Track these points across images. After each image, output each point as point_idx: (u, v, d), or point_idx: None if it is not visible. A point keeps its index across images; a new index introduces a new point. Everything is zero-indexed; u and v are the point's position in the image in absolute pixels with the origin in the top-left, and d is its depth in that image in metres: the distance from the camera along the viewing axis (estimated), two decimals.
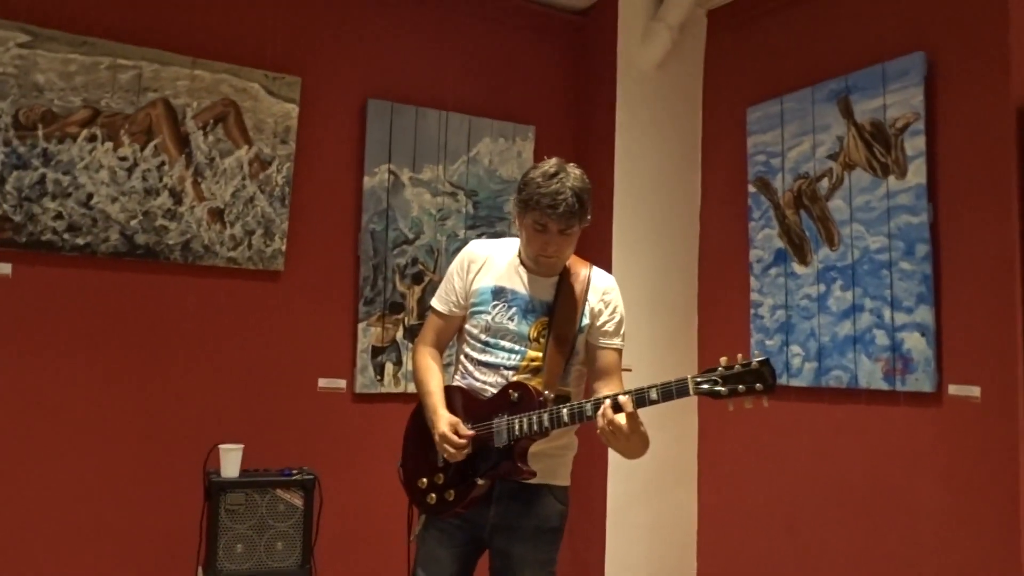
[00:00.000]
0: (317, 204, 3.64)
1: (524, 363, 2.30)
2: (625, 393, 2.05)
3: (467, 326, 2.42)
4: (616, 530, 3.79)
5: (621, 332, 2.38)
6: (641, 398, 2.03)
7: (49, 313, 3.18)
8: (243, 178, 3.47)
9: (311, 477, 3.05)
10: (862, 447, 3.25)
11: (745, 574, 3.66)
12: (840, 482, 3.31)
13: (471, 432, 2.22)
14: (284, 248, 3.54)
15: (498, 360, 2.32)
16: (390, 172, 3.75)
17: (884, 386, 3.16)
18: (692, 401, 3.96)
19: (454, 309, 2.42)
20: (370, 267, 3.68)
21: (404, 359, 3.69)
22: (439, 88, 3.91)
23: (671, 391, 2.01)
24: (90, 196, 3.22)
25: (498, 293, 2.36)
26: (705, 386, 2.01)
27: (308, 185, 3.62)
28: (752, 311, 3.74)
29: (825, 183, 3.46)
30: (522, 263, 2.36)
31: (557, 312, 2.32)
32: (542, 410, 2.15)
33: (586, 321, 2.33)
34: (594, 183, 4.11)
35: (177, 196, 3.36)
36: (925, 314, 3.04)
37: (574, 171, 2.25)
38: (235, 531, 2.93)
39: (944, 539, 2.93)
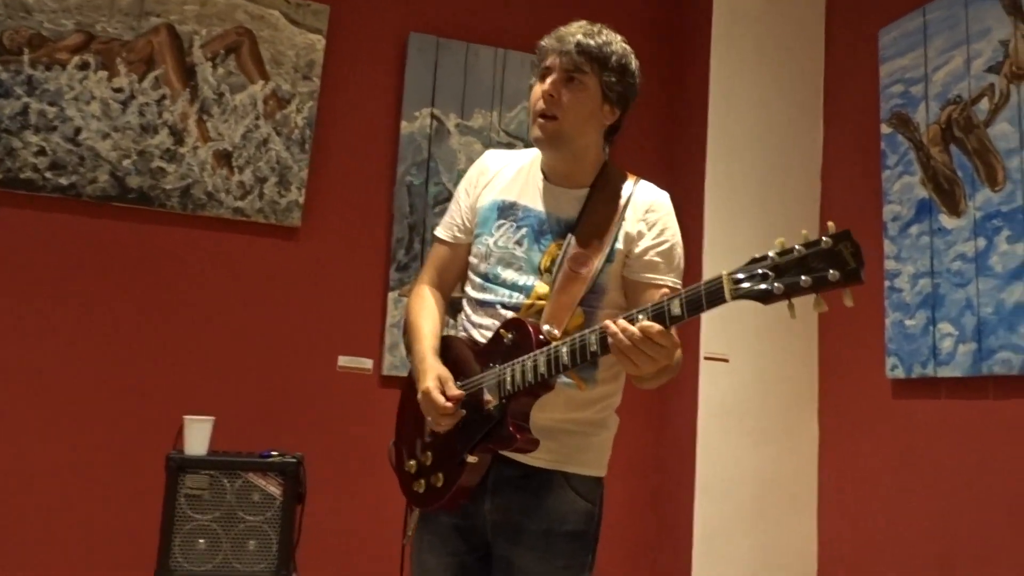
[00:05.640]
0: (344, 151, 3.12)
1: (529, 301, 1.70)
2: (640, 310, 1.45)
3: (469, 257, 1.83)
4: (706, 563, 2.95)
5: (675, 265, 1.73)
6: (660, 313, 1.42)
7: (23, 261, 2.78)
8: (256, 117, 2.99)
9: (293, 460, 2.44)
10: None
11: None
12: (1014, 502, 2.37)
13: (459, 392, 1.61)
14: (302, 200, 3.02)
15: (497, 298, 1.73)
16: (433, 117, 3.18)
17: None
18: (810, 405, 3.10)
19: (459, 235, 1.84)
20: (405, 227, 3.10)
21: None
22: (495, 22, 3.32)
23: (699, 299, 1.39)
24: (78, 131, 2.83)
25: (505, 210, 1.78)
26: (747, 284, 1.33)
27: (334, 129, 3.10)
28: (887, 283, 2.86)
29: (984, 104, 2.59)
30: (542, 170, 1.79)
31: (579, 233, 1.70)
32: (538, 351, 1.54)
33: (618, 246, 1.71)
34: (684, 139, 3.29)
35: (178, 135, 2.92)
36: None
37: (615, 33, 1.75)
38: (196, 522, 2.36)
39: None
